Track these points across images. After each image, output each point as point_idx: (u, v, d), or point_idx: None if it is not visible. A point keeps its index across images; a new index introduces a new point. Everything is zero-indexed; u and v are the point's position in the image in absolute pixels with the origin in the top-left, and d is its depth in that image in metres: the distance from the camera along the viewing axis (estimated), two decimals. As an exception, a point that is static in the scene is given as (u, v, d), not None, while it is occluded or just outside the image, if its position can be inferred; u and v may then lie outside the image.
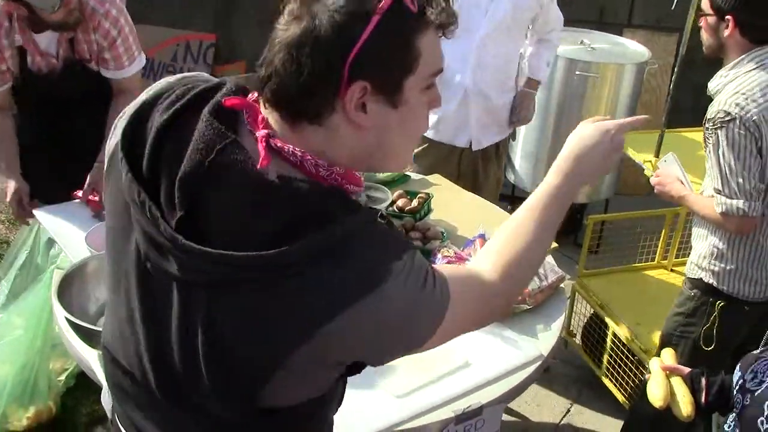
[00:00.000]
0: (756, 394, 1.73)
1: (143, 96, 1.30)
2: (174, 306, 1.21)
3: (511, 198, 4.95)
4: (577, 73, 4.17)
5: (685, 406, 1.87)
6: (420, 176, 3.31)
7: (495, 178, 3.80)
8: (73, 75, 2.93)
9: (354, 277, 1.15)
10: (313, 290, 1.14)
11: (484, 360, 2.22)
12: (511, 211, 4.48)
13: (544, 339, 2.35)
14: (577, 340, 3.60)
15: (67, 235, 2.63)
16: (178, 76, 1.35)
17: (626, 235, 3.86)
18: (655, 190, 2.74)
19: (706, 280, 2.59)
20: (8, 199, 2.94)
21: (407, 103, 1.21)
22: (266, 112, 1.21)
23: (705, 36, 2.54)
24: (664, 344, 2.70)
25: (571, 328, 3.60)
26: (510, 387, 2.16)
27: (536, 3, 3.41)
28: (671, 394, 1.92)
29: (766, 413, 1.69)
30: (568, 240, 4.46)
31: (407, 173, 3.26)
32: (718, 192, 2.41)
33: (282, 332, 1.16)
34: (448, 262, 2.45)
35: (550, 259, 2.69)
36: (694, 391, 1.91)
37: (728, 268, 2.54)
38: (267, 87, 1.19)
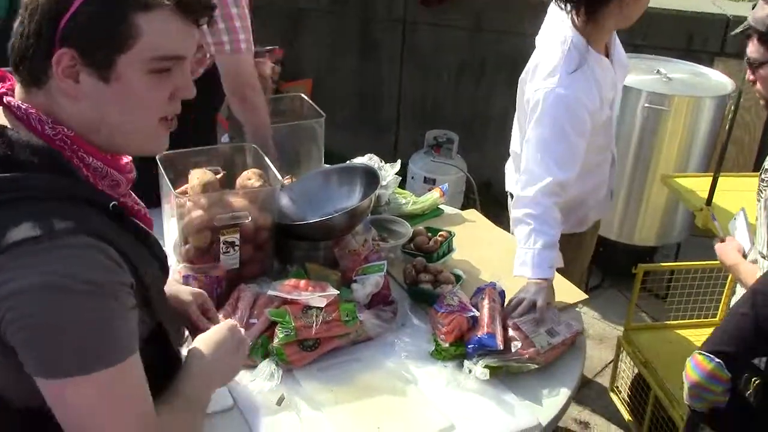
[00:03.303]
0: None
1: None
2: None
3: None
4: (645, 105, 3.83)
5: None
6: (455, 210, 3.08)
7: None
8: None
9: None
10: None
11: (471, 424, 1.96)
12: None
13: (548, 406, 2.06)
14: (624, 397, 3.28)
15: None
16: None
17: (700, 285, 3.50)
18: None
19: None
20: None
21: (120, 80, 1.21)
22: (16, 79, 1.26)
23: (759, 87, 2.11)
24: (690, 414, 2.37)
25: (616, 384, 3.29)
26: (494, 460, 1.91)
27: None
28: None
29: None
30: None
31: (441, 207, 3.04)
32: (763, 257, 2.08)
33: None
34: (450, 312, 2.22)
35: (572, 311, 2.42)
36: None
37: None
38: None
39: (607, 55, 2.65)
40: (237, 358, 1.52)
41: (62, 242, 1.12)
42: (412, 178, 4.92)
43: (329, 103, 5.51)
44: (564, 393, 2.12)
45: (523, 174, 2.50)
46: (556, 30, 2.55)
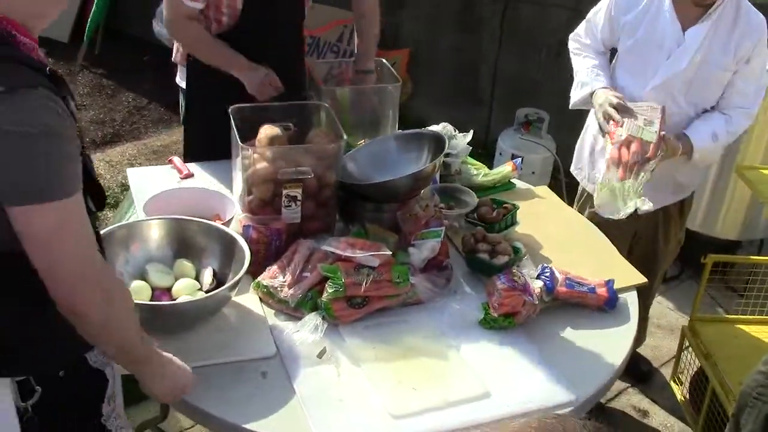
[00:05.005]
0: None
1: None
2: None
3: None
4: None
5: None
6: (527, 186, 3.07)
7: (675, 241, 3.22)
8: None
9: None
10: None
11: (507, 394, 1.98)
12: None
13: (589, 383, 2.05)
14: (684, 389, 3.22)
15: (146, 197, 2.63)
16: None
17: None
18: None
19: None
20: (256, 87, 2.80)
21: None
22: None
23: None
24: (739, 403, 2.30)
25: (678, 375, 3.23)
26: None
27: (732, 64, 2.76)
28: None
29: None
30: (714, 279, 3.99)
31: (513, 181, 3.03)
32: None
33: None
34: (512, 287, 2.20)
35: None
36: None
37: None
38: None
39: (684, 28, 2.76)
40: (164, 388, 1.76)
41: (22, 94, 1.39)
42: (500, 154, 4.88)
43: (426, 75, 5.52)
44: (605, 374, 2.11)
45: None
46: None
